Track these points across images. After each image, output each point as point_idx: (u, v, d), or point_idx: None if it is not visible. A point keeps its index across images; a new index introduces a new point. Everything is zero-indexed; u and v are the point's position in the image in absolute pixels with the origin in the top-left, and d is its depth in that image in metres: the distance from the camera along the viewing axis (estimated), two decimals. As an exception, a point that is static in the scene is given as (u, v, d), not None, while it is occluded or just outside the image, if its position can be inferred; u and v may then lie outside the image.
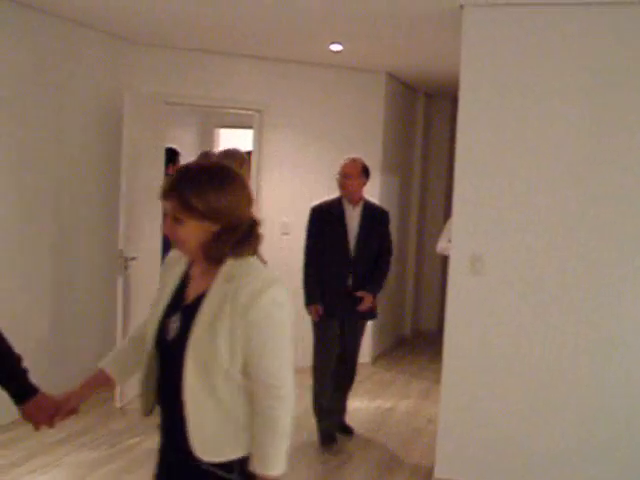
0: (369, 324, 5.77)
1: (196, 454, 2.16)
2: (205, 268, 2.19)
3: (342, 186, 5.13)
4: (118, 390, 5.63)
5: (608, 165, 4.22)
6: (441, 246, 6.76)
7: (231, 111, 7.68)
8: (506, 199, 4.40)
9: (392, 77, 7.50)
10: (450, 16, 4.70)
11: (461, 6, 4.43)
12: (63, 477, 4.41)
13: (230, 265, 2.14)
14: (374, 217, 5.16)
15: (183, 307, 2.20)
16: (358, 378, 6.52)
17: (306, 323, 5.69)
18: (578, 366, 4.32)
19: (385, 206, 6.18)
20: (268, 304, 2.10)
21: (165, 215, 2.22)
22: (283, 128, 6.89)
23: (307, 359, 6.16)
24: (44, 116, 5.40)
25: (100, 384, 2.57)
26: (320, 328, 5.07)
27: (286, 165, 6.82)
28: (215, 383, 2.11)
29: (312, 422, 5.45)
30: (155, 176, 6.24)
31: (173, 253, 2.33)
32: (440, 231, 7.38)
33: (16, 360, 2.53)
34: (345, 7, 4.85)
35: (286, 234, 6.75)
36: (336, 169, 6.48)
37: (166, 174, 6.70)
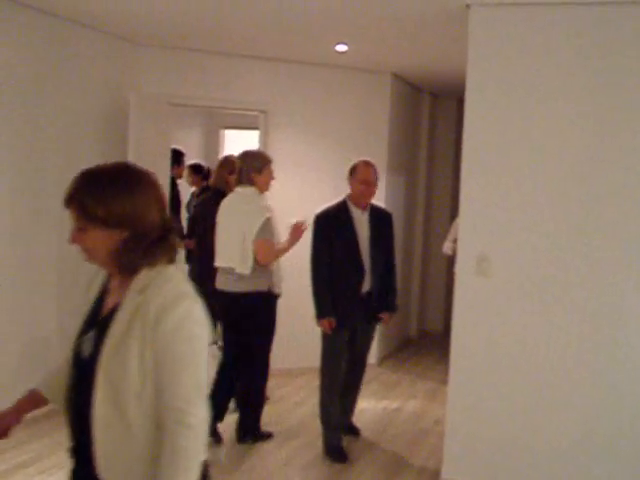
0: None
1: None
2: (122, 279, 2.03)
3: (362, 194, 4.90)
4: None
5: (613, 165, 4.20)
6: (447, 246, 6.77)
7: (236, 112, 7.68)
8: (512, 199, 4.39)
9: (397, 77, 7.49)
10: (456, 16, 4.69)
11: (467, 5, 4.42)
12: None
13: (144, 275, 1.97)
14: (381, 220, 5.06)
15: (98, 322, 2.03)
16: (364, 379, 6.51)
17: (301, 324, 5.70)
18: (583, 366, 4.30)
19: (391, 207, 6.18)
20: (180, 318, 1.91)
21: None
22: (288, 129, 6.88)
23: (308, 360, 6.18)
24: (48, 118, 5.39)
25: (33, 405, 2.40)
26: (331, 339, 4.89)
27: (291, 166, 6.80)
28: (126, 407, 1.91)
29: (317, 424, 5.45)
30: (161, 177, 6.24)
31: None
32: (446, 232, 7.39)
33: None
34: (350, 7, 4.84)
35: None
36: (341, 169, 6.48)
37: (171, 175, 6.73)
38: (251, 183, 4.89)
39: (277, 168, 6.72)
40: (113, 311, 1.98)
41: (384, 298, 5.05)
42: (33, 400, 2.39)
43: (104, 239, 1.98)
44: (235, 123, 9.39)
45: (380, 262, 4.98)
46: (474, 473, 4.53)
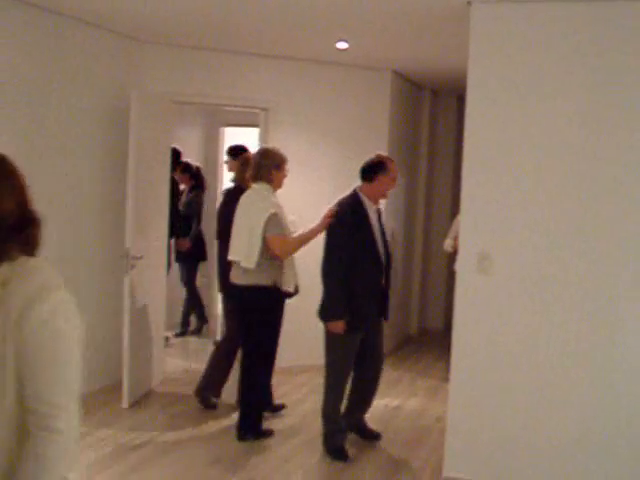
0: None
1: None
2: None
3: (387, 190, 4.92)
4: (125, 391, 5.62)
5: (613, 162, 4.19)
6: (448, 243, 6.76)
7: (237, 109, 7.67)
8: (513, 197, 4.38)
9: (398, 75, 7.48)
10: (457, 13, 4.68)
11: (468, 2, 4.41)
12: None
13: (5, 268, 1.80)
14: (379, 215, 5.05)
15: None
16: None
17: (302, 322, 5.68)
18: (582, 364, 4.30)
19: (391, 204, 6.18)
20: (45, 313, 1.74)
21: None
22: (288, 126, 6.87)
23: (309, 358, 6.18)
24: (52, 116, 5.39)
25: None
26: (343, 340, 4.76)
27: (292, 163, 6.74)
28: None
29: (319, 420, 5.44)
30: (162, 175, 6.25)
31: None
32: (447, 229, 7.39)
33: None
34: (351, 4, 4.83)
35: (293, 232, 6.73)
36: (341, 166, 6.47)
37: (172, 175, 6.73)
38: (269, 180, 4.99)
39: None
40: None
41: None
42: None
43: None
44: (235, 121, 9.36)
45: (388, 256, 4.97)
46: (475, 470, 4.52)
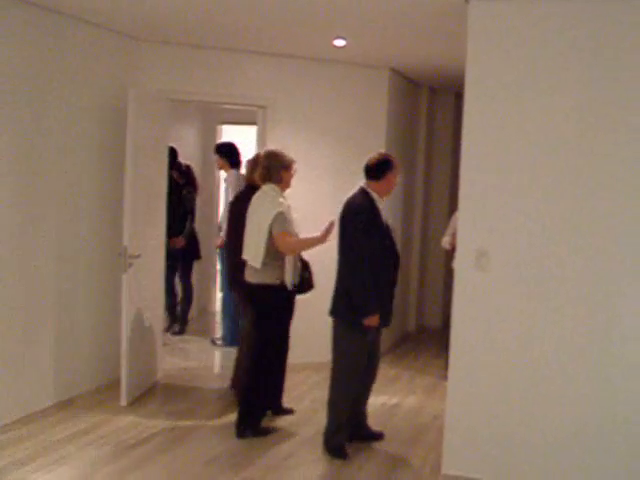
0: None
1: None
2: None
3: (393, 187, 4.97)
4: (123, 390, 5.61)
5: (611, 160, 4.19)
6: (446, 241, 6.77)
7: (235, 107, 7.66)
8: (511, 194, 4.39)
9: (395, 72, 7.47)
10: (455, 10, 4.68)
11: (466, 0, 4.40)
12: (68, 475, 4.40)
13: None
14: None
15: None
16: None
17: (302, 319, 5.67)
18: (580, 360, 4.31)
19: (389, 202, 6.15)
20: None
21: None
22: (286, 124, 6.86)
23: (308, 356, 6.18)
24: (49, 114, 5.38)
25: None
26: (359, 338, 4.77)
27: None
28: None
29: (318, 417, 5.45)
30: (160, 173, 6.24)
31: None
32: (445, 226, 7.39)
33: None
34: (349, 2, 4.83)
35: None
36: (339, 164, 6.46)
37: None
38: (278, 180, 5.11)
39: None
40: None
41: None
42: None
43: None
44: (232, 118, 9.36)
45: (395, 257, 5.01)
46: (474, 468, 4.53)
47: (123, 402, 5.63)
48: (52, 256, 5.50)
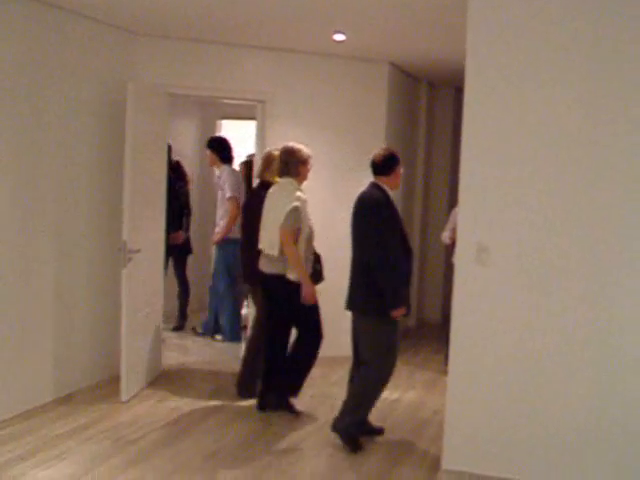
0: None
1: None
2: None
3: (400, 181, 5.09)
4: (123, 385, 5.61)
5: (613, 152, 4.18)
6: (446, 235, 6.76)
7: (234, 102, 7.64)
8: (512, 188, 4.37)
9: (395, 67, 7.46)
10: (454, 3, 4.66)
11: (466, -7, 4.40)
12: (69, 470, 4.39)
13: None
14: None
15: None
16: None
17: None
18: (582, 353, 4.30)
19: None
20: None
21: None
22: (286, 118, 6.85)
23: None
24: (48, 108, 5.37)
25: None
26: (390, 331, 4.88)
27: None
28: None
29: (319, 412, 5.47)
30: (158, 167, 6.23)
31: None
32: (444, 221, 7.39)
33: None
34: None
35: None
36: (338, 158, 6.44)
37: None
38: (296, 174, 5.34)
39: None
40: None
41: None
42: None
43: None
44: (232, 113, 9.35)
45: None
46: (475, 463, 4.53)
47: (123, 397, 5.62)
48: (51, 251, 5.49)
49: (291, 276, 5.24)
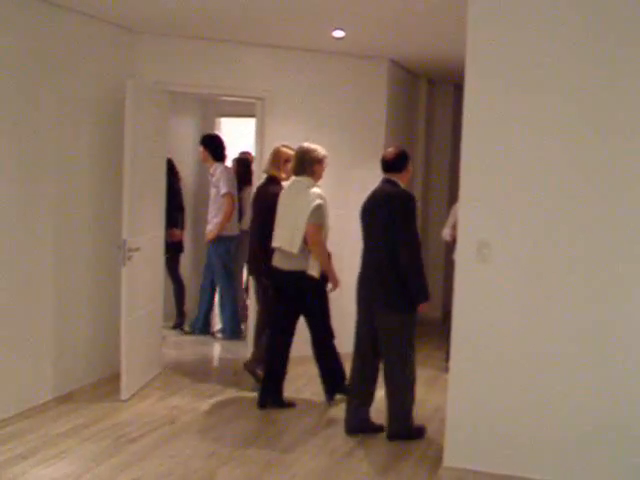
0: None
1: None
2: None
3: (410, 175, 5.29)
4: (123, 384, 5.60)
5: (616, 147, 4.17)
6: (446, 232, 6.74)
7: (233, 99, 7.63)
8: (512, 184, 4.36)
9: (394, 63, 7.44)
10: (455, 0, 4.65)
11: (466, -11, 4.38)
12: (69, 469, 4.38)
13: None
14: None
15: None
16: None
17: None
18: (585, 351, 4.29)
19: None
20: None
21: None
22: (285, 116, 6.83)
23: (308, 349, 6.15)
24: (44, 104, 5.35)
25: None
26: (413, 325, 5.00)
27: (289, 153, 6.74)
28: None
29: (319, 410, 5.46)
30: (157, 165, 6.21)
31: None
32: (444, 218, 7.37)
33: None
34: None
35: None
36: (338, 156, 6.41)
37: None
38: (311, 173, 5.48)
39: (274, 155, 6.70)
40: None
41: None
42: None
43: None
44: (231, 111, 9.33)
45: None
46: (476, 460, 4.51)
47: (123, 396, 5.61)
48: (50, 248, 5.47)
49: (313, 272, 5.36)
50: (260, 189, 6.05)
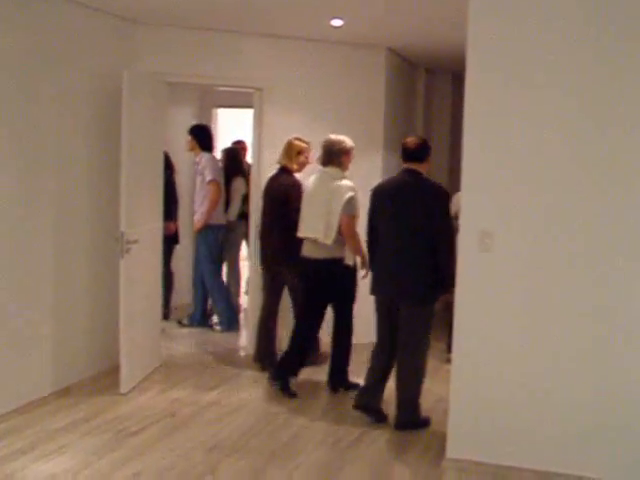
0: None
1: None
2: None
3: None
4: (123, 377, 5.56)
5: (619, 136, 4.13)
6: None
7: (230, 90, 7.58)
8: (515, 173, 4.32)
9: (393, 52, 7.39)
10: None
11: (467, -24, 4.33)
12: (69, 464, 4.34)
13: None
14: None
15: None
16: (362, 358, 6.45)
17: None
18: (588, 340, 4.26)
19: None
20: None
21: None
22: (283, 105, 6.77)
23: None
24: (43, 96, 5.29)
25: None
26: (432, 314, 5.09)
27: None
28: None
29: (320, 403, 5.42)
30: (155, 156, 6.16)
31: None
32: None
33: None
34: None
35: None
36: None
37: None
38: (339, 163, 5.59)
39: (272, 145, 6.66)
40: None
41: None
42: None
43: None
44: (228, 102, 9.28)
45: None
46: (479, 452, 4.48)
47: (123, 389, 5.57)
48: (49, 241, 5.42)
49: (350, 261, 5.51)
50: (273, 180, 6.16)
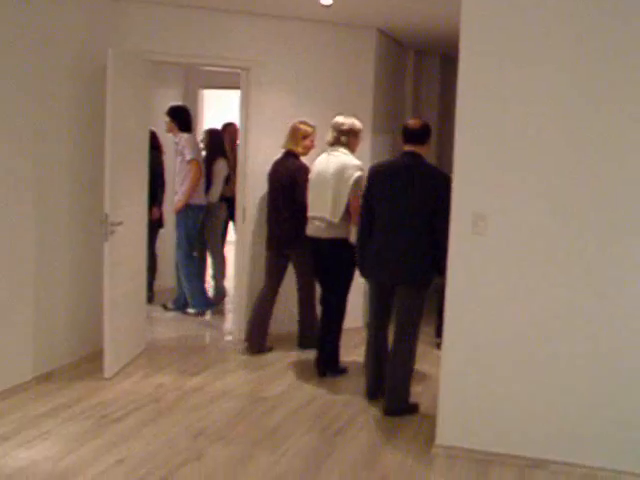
0: (363, 285, 5.95)
1: None
2: None
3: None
4: (107, 362, 5.47)
5: (613, 118, 4.06)
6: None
7: (217, 70, 7.46)
8: (508, 154, 4.23)
9: (383, 33, 7.29)
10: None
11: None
12: (52, 450, 4.26)
13: None
14: None
15: None
16: (352, 343, 6.44)
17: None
18: (581, 324, 4.20)
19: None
20: None
21: None
22: (270, 86, 6.66)
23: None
24: (25, 76, 5.13)
25: None
26: (425, 296, 5.10)
27: (276, 123, 6.60)
28: None
29: (307, 388, 5.35)
30: (141, 137, 6.05)
31: None
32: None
33: None
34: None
35: None
36: (326, 127, 6.27)
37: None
38: (347, 144, 5.71)
39: (259, 127, 6.57)
40: None
41: None
42: None
43: None
44: (215, 82, 9.15)
45: None
46: (469, 438, 4.43)
47: (106, 374, 5.48)
48: (30, 225, 5.30)
49: (353, 239, 5.46)
50: (278, 163, 6.22)
